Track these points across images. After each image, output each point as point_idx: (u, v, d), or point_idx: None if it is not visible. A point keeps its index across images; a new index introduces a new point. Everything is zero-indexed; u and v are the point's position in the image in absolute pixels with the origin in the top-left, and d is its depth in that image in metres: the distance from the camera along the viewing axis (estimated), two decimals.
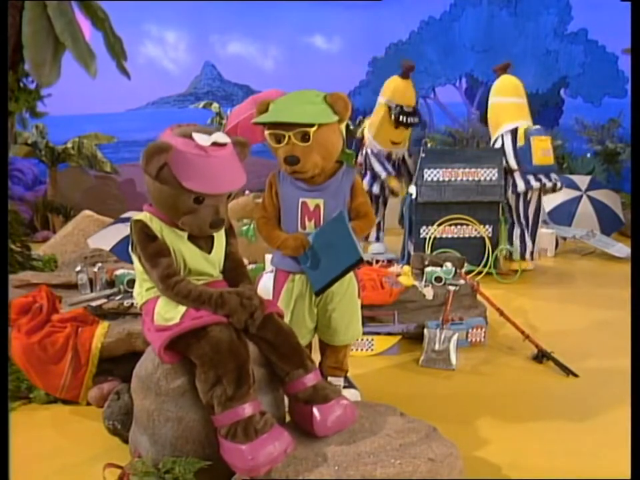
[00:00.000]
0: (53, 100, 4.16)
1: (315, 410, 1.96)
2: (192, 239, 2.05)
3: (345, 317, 2.55)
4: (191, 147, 1.89)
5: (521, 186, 5.27)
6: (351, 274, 2.53)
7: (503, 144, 5.30)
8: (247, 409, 1.83)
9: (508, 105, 5.40)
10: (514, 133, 5.26)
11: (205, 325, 1.91)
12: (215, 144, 1.92)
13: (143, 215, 2.03)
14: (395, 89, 5.45)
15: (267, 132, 2.34)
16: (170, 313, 1.96)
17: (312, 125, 2.26)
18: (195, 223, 1.97)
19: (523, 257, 5.49)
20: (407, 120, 5.33)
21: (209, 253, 2.09)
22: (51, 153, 7.91)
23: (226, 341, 1.90)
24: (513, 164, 5.26)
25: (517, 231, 5.48)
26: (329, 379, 2.65)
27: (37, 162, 8.15)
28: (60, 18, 3.63)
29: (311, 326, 2.57)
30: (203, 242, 2.08)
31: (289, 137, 2.27)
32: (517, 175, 5.28)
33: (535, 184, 5.27)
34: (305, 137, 2.27)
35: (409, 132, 5.66)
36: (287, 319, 2.44)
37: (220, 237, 2.15)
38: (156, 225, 2.00)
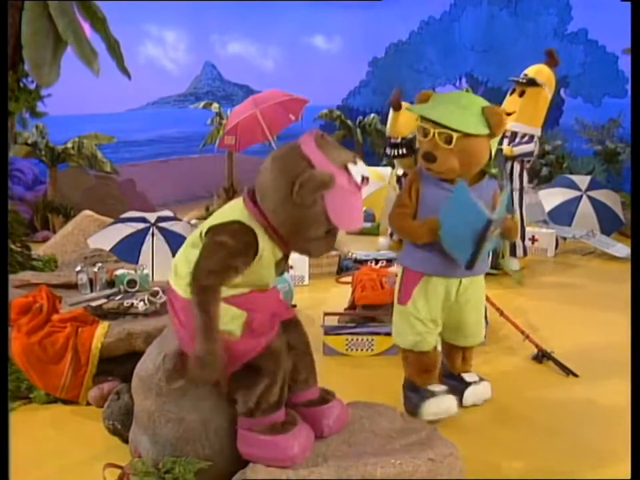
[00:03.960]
0: (53, 100, 4.15)
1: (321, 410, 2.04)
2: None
3: (476, 318, 2.72)
4: (346, 182, 1.77)
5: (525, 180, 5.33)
6: (481, 279, 2.67)
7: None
8: (283, 409, 1.94)
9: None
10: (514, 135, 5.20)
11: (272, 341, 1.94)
12: (363, 178, 1.81)
13: (253, 223, 1.85)
14: (390, 122, 5.09)
15: (418, 122, 2.43)
16: (229, 326, 1.88)
17: (457, 130, 2.32)
18: (318, 250, 1.92)
19: (525, 254, 5.50)
20: (390, 152, 4.98)
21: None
22: (51, 153, 7.89)
23: (282, 350, 1.95)
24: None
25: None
26: (463, 375, 2.82)
27: (37, 162, 8.13)
28: (62, 17, 3.63)
29: (440, 328, 2.69)
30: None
31: (434, 134, 2.35)
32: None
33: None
34: (448, 139, 2.33)
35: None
36: (415, 322, 2.60)
37: None
38: (262, 241, 1.85)
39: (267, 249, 1.86)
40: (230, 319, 1.88)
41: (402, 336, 2.70)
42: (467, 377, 2.83)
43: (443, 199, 2.43)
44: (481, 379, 2.86)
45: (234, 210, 1.88)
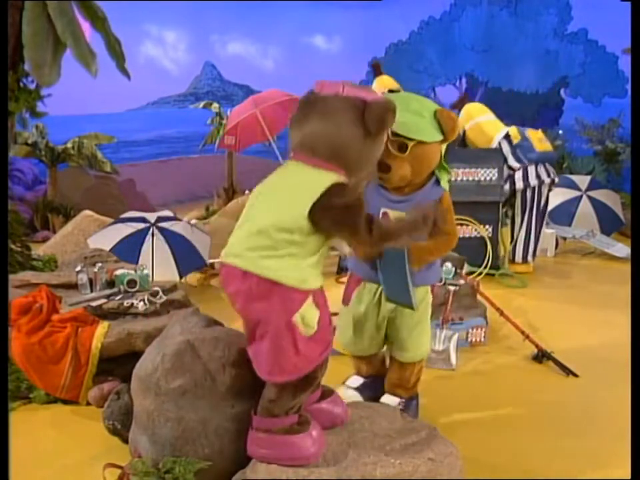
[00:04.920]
0: (53, 100, 4.16)
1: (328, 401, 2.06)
2: None
3: (413, 334, 2.52)
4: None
5: (519, 184, 5.35)
6: (427, 290, 2.53)
7: (501, 150, 5.36)
8: None
9: (489, 121, 5.53)
10: (507, 136, 5.36)
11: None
12: None
13: (338, 177, 1.81)
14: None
15: None
16: (312, 320, 1.84)
17: (412, 139, 2.23)
18: (373, 172, 2.03)
19: (525, 260, 5.50)
20: None
21: None
22: (51, 153, 7.90)
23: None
24: (514, 164, 5.32)
25: (522, 232, 5.49)
26: (385, 396, 2.60)
27: (37, 162, 8.14)
28: (60, 17, 3.63)
29: (378, 337, 2.58)
30: None
31: (388, 142, 2.23)
32: (518, 174, 5.34)
33: (537, 180, 5.36)
34: (402, 147, 2.24)
35: None
36: (351, 324, 2.54)
37: None
38: None
39: None
40: (314, 312, 1.83)
41: (340, 334, 2.67)
42: (388, 399, 2.58)
43: (383, 208, 2.37)
44: (405, 410, 2.51)
45: (316, 176, 1.81)
